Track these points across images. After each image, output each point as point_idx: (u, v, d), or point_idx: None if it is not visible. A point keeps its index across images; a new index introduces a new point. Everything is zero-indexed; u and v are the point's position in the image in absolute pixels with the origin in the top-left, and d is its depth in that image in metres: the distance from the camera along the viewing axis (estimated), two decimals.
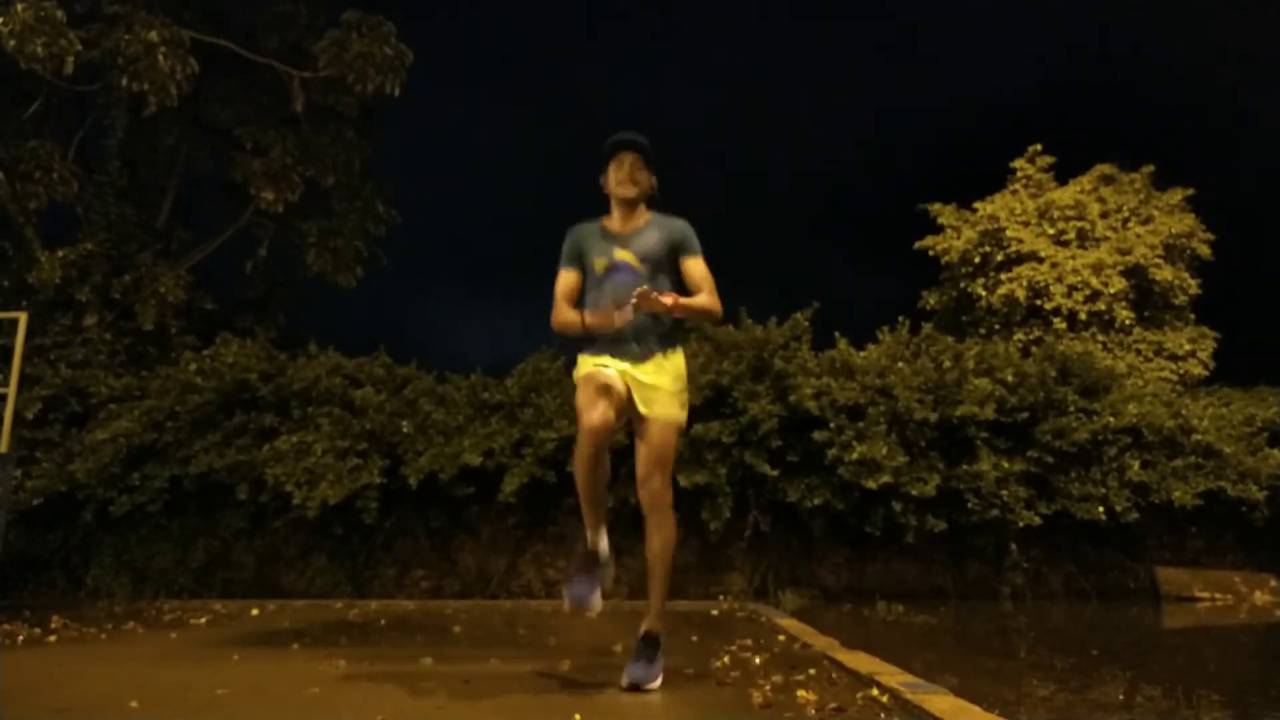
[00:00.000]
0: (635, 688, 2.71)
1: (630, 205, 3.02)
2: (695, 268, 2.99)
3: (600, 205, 3.11)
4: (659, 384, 2.90)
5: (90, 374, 8.62)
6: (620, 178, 2.98)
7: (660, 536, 2.88)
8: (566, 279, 3.06)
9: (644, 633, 2.83)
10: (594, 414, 2.69)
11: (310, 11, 10.67)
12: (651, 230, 3.01)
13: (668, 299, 2.78)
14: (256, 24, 10.55)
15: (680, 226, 3.03)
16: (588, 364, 2.94)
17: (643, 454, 2.89)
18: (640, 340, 2.91)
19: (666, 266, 2.98)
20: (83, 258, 9.44)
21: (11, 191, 9.70)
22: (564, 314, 3.02)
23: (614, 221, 3.05)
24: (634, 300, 2.76)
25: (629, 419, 2.94)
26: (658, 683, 2.76)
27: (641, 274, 2.92)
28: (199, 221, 11.75)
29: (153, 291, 9.59)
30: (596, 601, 2.81)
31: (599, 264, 2.98)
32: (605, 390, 2.74)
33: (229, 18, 10.43)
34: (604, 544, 2.90)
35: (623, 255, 2.97)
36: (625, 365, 2.89)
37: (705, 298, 2.95)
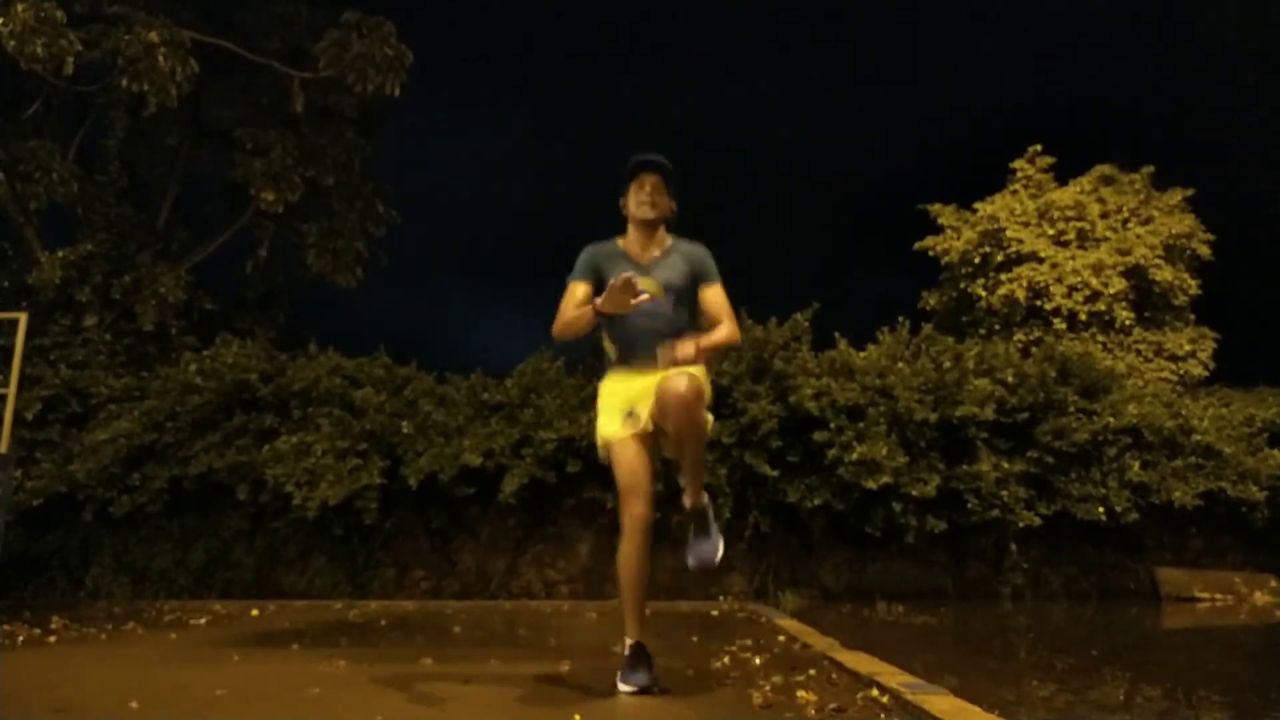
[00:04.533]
0: (706, 565, 2.82)
1: (650, 228, 2.96)
2: (715, 296, 2.96)
3: (614, 224, 3.07)
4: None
5: (90, 374, 8.62)
6: (641, 199, 2.93)
7: (689, 417, 2.64)
8: (577, 290, 2.94)
9: (691, 507, 2.84)
10: (641, 504, 2.71)
11: (310, 12, 10.66)
12: (674, 258, 2.96)
13: (690, 349, 2.67)
14: (256, 25, 10.55)
15: (701, 254, 2.99)
16: (615, 407, 2.85)
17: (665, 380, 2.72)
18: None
19: (688, 296, 2.95)
20: (83, 258, 9.44)
21: (11, 192, 9.70)
22: (568, 314, 2.87)
23: (633, 245, 2.99)
24: (660, 365, 2.71)
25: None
26: (721, 552, 2.84)
27: (663, 303, 2.88)
28: (199, 222, 11.76)
29: (153, 292, 9.59)
30: (654, 684, 2.73)
31: None
32: (647, 473, 2.75)
33: (229, 19, 10.43)
34: (645, 636, 2.82)
35: (645, 284, 2.87)
36: (653, 384, 2.79)
37: (726, 328, 2.91)
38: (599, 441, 2.89)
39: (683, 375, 2.65)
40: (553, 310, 2.97)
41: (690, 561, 2.93)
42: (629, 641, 2.78)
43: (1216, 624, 6.14)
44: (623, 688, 2.70)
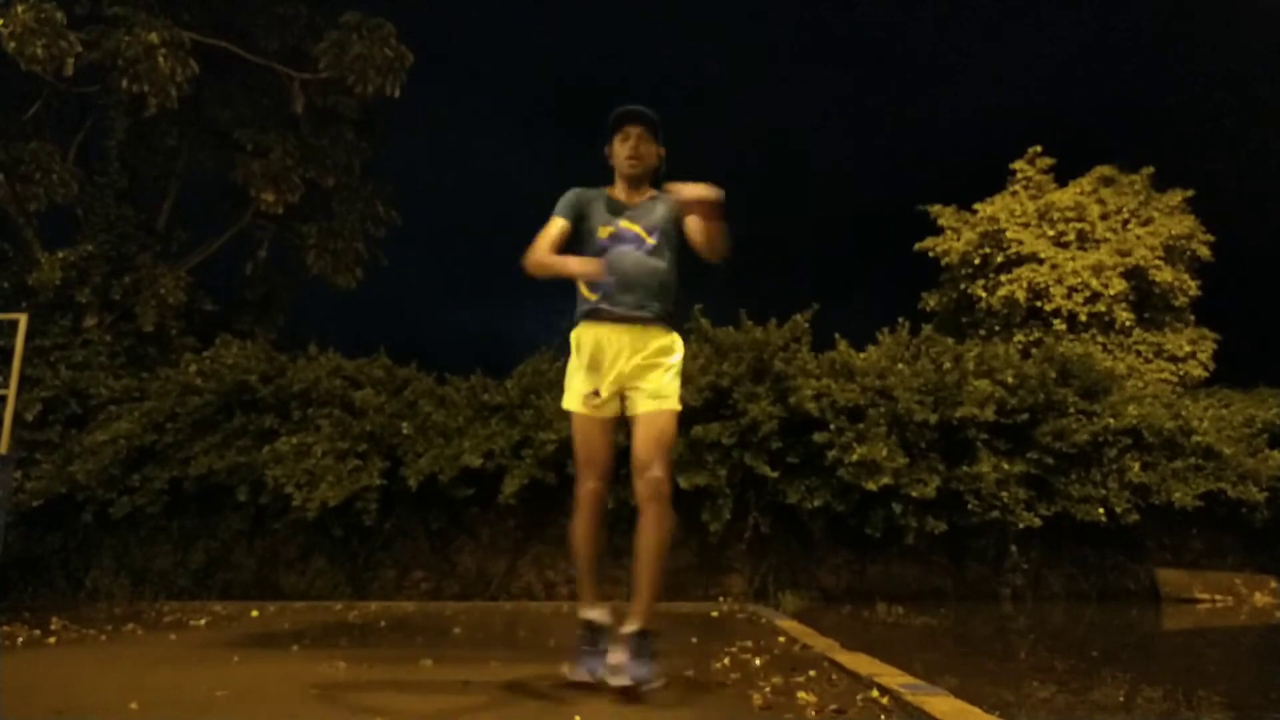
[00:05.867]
0: (637, 686, 2.56)
1: (636, 181, 2.99)
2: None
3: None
4: (660, 358, 2.85)
5: (90, 375, 8.61)
6: (626, 153, 2.94)
7: (658, 531, 2.70)
8: (556, 225, 2.92)
9: (638, 630, 2.66)
10: (594, 478, 2.79)
11: (310, 13, 10.68)
12: (659, 205, 2.98)
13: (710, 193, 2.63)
14: (257, 26, 10.56)
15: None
16: (578, 387, 2.88)
17: (641, 438, 2.79)
18: (647, 307, 2.85)
19: (673, 243, 2.96)
20: (83, 259, 9.44)
21: (11, 193, 9.69)
22: (543, 254, 2.83)
23: (619, 192, 3.00)
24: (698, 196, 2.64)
25: (625, 412, 2.92)
26: (659, 681, 2.63)
27: (649, 246, 2.89)
28: (199, 223, 11.76)
29: (153, 293, 9.58)
30: (601, 669, 2.67)
31: (603, 230, 2.91)
32: (604, 449, 2.81)
33: (229, 20, 10.44)
34: (603, 613, 2.82)
35: (628, 225, 2.92)
36: (629, 337, 2.84)
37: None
38: (564, 404, 2.96)
39: (658, 460, 2.74)
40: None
41: (629, 677, 2.58)
42: (580, 615, 2.82)
43: (1217, 625, 6.14)
44: (571, 673, 2.69)
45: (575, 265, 2.77)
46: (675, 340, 2.94)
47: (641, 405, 2.83)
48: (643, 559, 2.72)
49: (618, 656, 2.64)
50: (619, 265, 2.83)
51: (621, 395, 2.89)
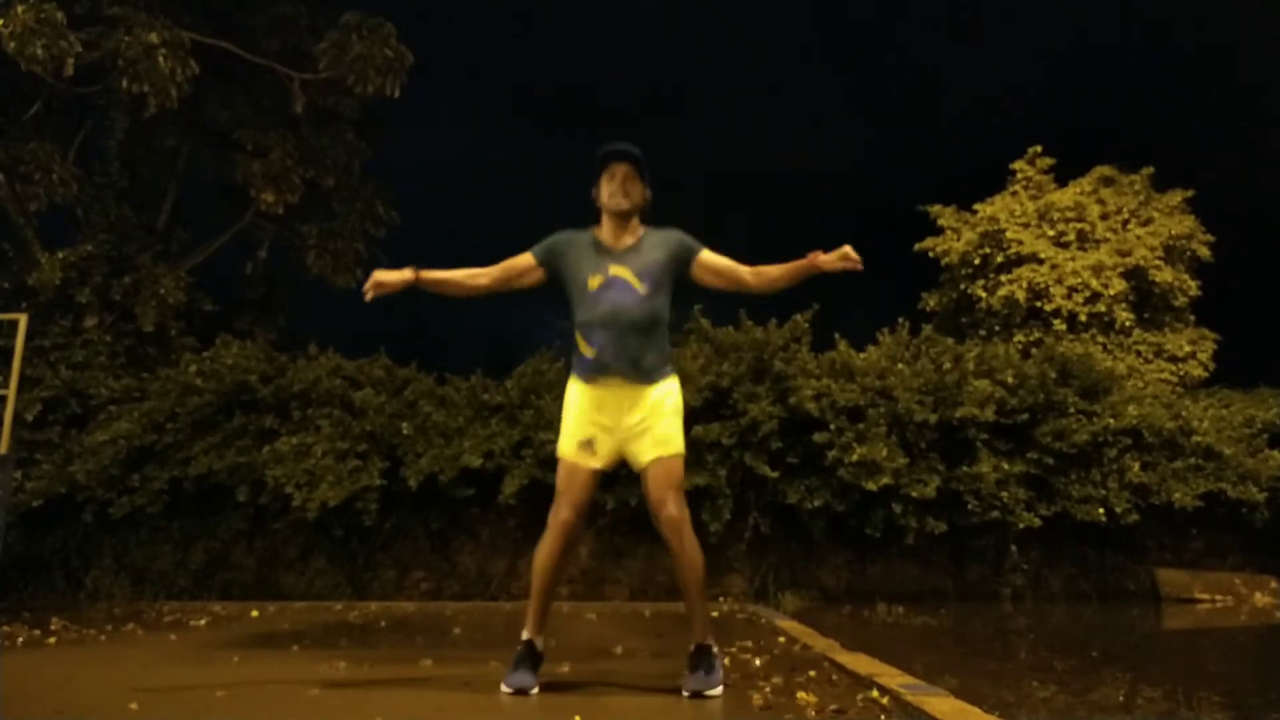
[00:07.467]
0: (699, 695, 2.66)
1: (623, 219, 2.91)
2: (716, 258, 2.97)
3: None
4: (660, 404, 2.86)
5: (90, 375, 8.62)
6: (613, 190, 2.88)
7: (688, 558, 2.78)
8: (520, 258, 3.00)
9: (696, 645, 2.79)
10: (569, 510, 2.87)
11: (310, 13, 10.68)
12: (650, 246, 2.91)
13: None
14: (257, 26, 10.55)
15: (677, 236, 2.96)
16: (576, 432, 2.91)
17: (652, 482, 2.82)
18: (641, 363, 2.85)
19: (667, 284, 2.91)
20: (83, 259, 9.44)
21: (11, 193, 9.70)
22: (480, 270, 3.02)
23: (606, 234, 2.93)
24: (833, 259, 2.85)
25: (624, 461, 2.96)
26: (720, 690, 2.71)
27: (640, 293, 2.84)
28: (199, 223, 11.76)
29: (153, 293, 9.58)
30: (534, 686, 2.78)
31: (593, 281, 2.85)
32: (584, 488, 2.89)
33: (229, 20, 10.44)
34: (542, 640, 2.89)
35: (619, 272, 2.85)
36: (627, 391, 2.85)
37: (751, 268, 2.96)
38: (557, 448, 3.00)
39: (670, 498, 2.78)
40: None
41: (686, 692, 2.69)
42: (523, 636, 2.86)
43: (1217, 625, 6.14)
44: (502, 688, 2.75)
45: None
46: (673, 382, 2.95)
47: (647, 453, 2.84)
48: (685, 589, 2.85)
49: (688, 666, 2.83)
50: (608, 314, 2.82)
51: (619, 448, 2.91)
